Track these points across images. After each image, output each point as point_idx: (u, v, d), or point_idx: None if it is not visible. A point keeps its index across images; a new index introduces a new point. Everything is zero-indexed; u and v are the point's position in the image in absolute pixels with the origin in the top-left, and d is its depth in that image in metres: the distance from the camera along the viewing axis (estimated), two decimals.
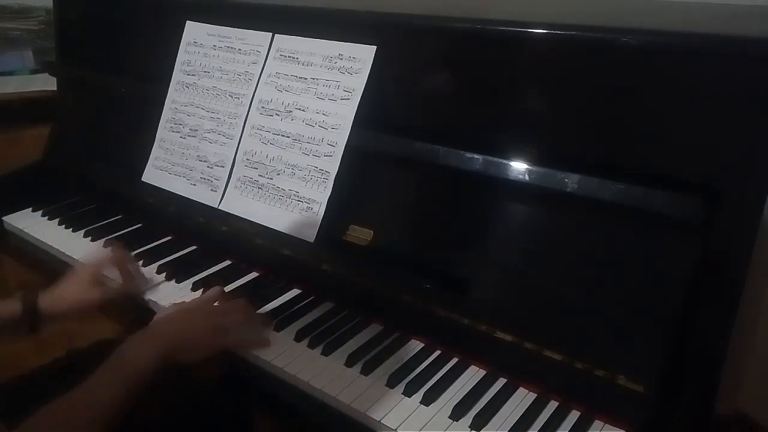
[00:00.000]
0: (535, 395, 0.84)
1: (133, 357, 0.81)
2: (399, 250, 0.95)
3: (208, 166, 1.15)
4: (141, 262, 1.15)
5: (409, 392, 0.84)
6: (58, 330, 1.03)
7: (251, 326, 0.95)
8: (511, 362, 0.86)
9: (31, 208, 1.36)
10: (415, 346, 0.93)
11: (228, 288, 1.07)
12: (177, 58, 1.23)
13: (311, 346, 0.92)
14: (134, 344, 0.83)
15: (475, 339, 0.87)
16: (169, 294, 1.07)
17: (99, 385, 0.78)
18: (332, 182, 0.99)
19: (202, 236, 1.19)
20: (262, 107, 1.09)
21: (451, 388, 0.85)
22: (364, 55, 0.99)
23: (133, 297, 1.07)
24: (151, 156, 1.23)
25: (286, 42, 1.09)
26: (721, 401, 0.88)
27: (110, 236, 1.24)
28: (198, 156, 1.17)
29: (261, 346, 0.92)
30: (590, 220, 0.82)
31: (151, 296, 1.06)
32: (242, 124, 1.12)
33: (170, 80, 1.23)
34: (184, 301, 0.99)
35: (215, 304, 0.98)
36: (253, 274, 1.11)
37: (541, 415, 0.81)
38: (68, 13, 1.52)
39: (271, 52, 1.10)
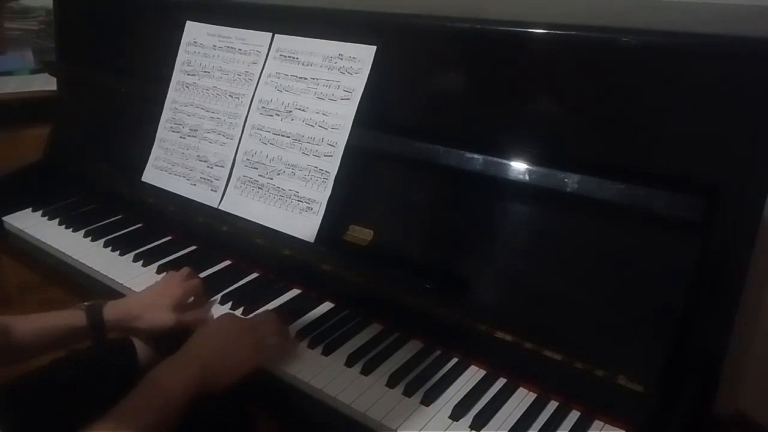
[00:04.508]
0: (535, 395, 0.84)
1: (167, 384, 0.77)
2: (399, 250, 0.95)
3: (208, 166, 1.15)
4: (141, 263, 1.15)
5: (409, 392, 0.84)
6: None
7: (282, 337, 0.92)
8: (511, 362, 0.86)
9: (31, 208, 1.36)
10: (415, 346, 0.93)
11: (228, 288, 1.07)
12: (177, 58, 1.22)
13: (311, 346, 0.92)
14: (168, 370, 0.79)
15: (475, 339, 0.87)
16: None
17: (130, 413, 0.73)
18: (332, 182, 0.99)
19: (202, 236, 1.19)
20: (262, 107, 1.09)
21: (451, 388, 0.85)
22: (364, 55, 0.99)
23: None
24: (151, 156, 1.23)
25: (286, 42, 1.09)
26: (721, 401, 0.88)
27: (110, 236, 1.24)
28: (198, 156, 1.17)
29: (290, 357, 0.89)
30: (590, 219, 0.82)
31: None
32: (242, 124, 1.12)
33: (170, 80, 1.23)
34: (217, 317, 0.93)
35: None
36: (253, 274, 1.11)
37: (541, 415, 0.81)
38: (68, 13, 1.52)
39: (271, 52, 1.10)
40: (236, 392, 0.99)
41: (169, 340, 1.00)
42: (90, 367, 1.06)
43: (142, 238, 1.23)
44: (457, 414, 0.81)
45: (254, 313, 1.00)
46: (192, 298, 1.03)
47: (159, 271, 1.12)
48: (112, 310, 0.98)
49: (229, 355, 0.84)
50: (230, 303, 1.03)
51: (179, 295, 0.99)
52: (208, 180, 1.15)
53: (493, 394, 0.84)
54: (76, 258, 1.18)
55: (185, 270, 1.06)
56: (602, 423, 0.79)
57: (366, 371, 0.88)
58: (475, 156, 0.87)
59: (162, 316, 0.97)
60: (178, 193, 1.18)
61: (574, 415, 0.81)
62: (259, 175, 1.08)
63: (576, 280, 0.82)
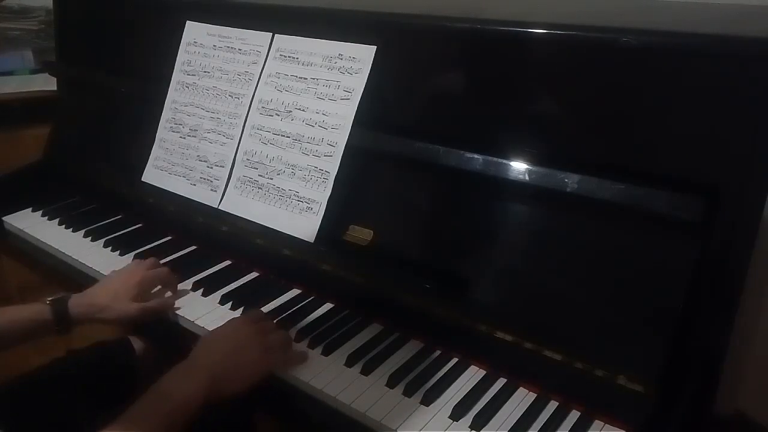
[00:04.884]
0: (535, 395, 0.84)
1: (175, 393, 0.77)
2: (399, 250, 0.95)
3: (208, 166, 1.15)
4: None
5: (409, 392, 0.84)
6: None
7: (286, 341, 0.92)
8: (511, 362, 0.86)
9: (31, 208, 1.36)
10: (415, 346, 0.93)
11: (228, 288, 1.07)
12: (177, 58, 1.22)
13: (311, 346, 0.92)
14: (176, 379, 0.79)
15: (475, 339, 0.87)
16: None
17: (138, 421, 0.73)
18: (332, 182, 0.99)
19: (202, 236, 1.19)
20: (262, 107, 1.09)
21: (451, 388, 0.85)
22: (364, 55, 0.99)
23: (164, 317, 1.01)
24: (151, 156, 1.23)
25: (286, 42, 1.09)
26: (721, 401, 0.88)
27: (110, 236, 1.24)
28: (198, 156, 1.17)
29: (296, 360, 0.89)
30: (590, 219, 0.82)
31: None
32: (242, 124, 1.12)
33: (170, 80, 1.23)
34: (225, 322, 0.92)
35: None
36: (253, 274, 1.11)
37: (541, 415, 0.81)
38: (68, 13, 1.52)
39: (271, 52, 1.10)
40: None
41: (171, 341, 1.00)
42: (90, 367, 1.06)
43: (142, 238, 1.23)
44: (457, 414, 0.81)
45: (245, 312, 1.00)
46: (159, 287, 1.05)
47: None
48: (77, 304, 0.99)
49: (237, 362, 0.83)
50: (230, 303, 1.03)
51: (144, 284, 1.02)
52: (208, 180, 1.15)
53: (493, 394, 0.84)
54: (76, 258, 1.18)
55: (151, 260, 1.09)
56: (602, 423, 0.79)
57: (366, 371, 0.88)
58: (475, 156, 0.87)
59: (127, 307, 0.99)
60: (178, 193, 1.18)
61: (574, 415, 0.81)
62: (259, 175, 1.08)
63: (576, 280, 0.82)
